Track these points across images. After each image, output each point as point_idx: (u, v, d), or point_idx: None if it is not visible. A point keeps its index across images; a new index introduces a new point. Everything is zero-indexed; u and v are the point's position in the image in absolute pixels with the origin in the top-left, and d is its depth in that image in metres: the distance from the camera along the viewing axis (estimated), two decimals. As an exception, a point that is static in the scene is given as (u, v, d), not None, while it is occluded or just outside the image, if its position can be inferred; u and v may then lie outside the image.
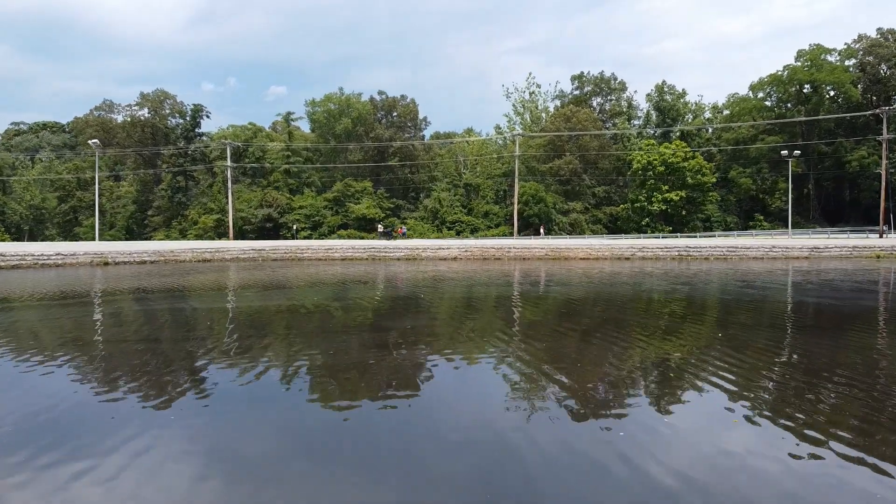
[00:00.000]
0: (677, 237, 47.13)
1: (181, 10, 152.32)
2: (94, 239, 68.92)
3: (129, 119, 73.37)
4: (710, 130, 69.92)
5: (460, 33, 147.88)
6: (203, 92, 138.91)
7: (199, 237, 62.81)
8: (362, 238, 57.70)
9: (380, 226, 44.95)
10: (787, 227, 56.72)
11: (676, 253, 29.65)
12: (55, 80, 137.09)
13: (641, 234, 54.49)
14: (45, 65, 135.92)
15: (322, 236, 58.95)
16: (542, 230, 55.71)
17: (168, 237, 65.14)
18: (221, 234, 61.76)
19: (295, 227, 57.71)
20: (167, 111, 74.17)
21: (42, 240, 75.12)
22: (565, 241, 37.50)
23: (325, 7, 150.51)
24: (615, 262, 28.01)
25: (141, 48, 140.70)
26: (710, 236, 48.25)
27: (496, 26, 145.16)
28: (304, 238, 59.01)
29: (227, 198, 58.00)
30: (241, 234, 61.26)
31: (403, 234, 43.77)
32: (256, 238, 59.68)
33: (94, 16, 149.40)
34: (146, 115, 73.71)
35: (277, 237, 59.59)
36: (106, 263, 25.18)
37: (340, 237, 58.00)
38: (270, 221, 59.21)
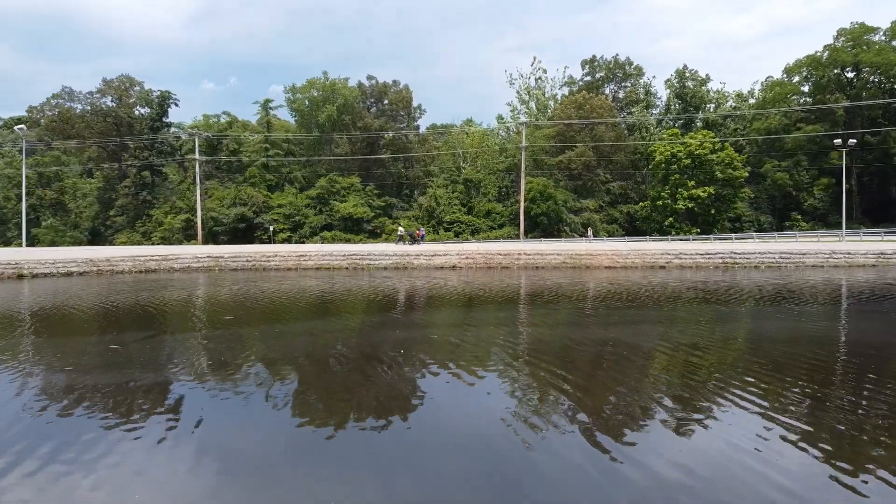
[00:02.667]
0: (710, 240, 43.68)
1: (181, 9, 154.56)
2: (50, 242, 65.23)
3: (88, 108, 69.61)
4: (739, 120, 66.53)
5: (461, 32, 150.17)
6: (203, 91, 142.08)
7: (164, 240, 59.17)
8: (348, 241, 54.14)
9: (400, 228, 41.09)
10: (826, 227, 53.39)
11: (720, 260, 26.14)
12: (55, 80, 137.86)
13: (665, 236, 51.02)
14: (45, 64, 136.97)
15: (303, 238, 55.36)
16: (589, 232, 52.38)
17: (130, 241, 61.45)
18: (191, 237, 58.17)
19: (272, 229, 54.08)
20: (133, 99, 70.54)
21: (2, 243, 71.33)
22: (584, 245, 33.99)
23: (325, 6, 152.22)
24: (647, 271, 24.51)
25: (141, 47, 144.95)
26: (745, 238, 44.80)
27: (496, 25, 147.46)
28: (283, 241, 55.41)
29: (196, 195, 54.39)
30: (211, 237, 57.65)
31: (422, 237, 40.08)
32: (229, 241, 56.05)
33: (95, 15, 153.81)
34: (109, 103, 70.10)
35: (252, 240, 55.98)
36: (20, 276, 21.56)
37: (324, 239, 54.41)
38: (244, 222, 55.59)
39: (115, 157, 70.48)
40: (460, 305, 14.42)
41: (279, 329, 10.65)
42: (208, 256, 25.84)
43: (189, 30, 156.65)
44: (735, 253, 26.49)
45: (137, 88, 70.57)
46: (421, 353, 8.12)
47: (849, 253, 27.23)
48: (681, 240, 46.23)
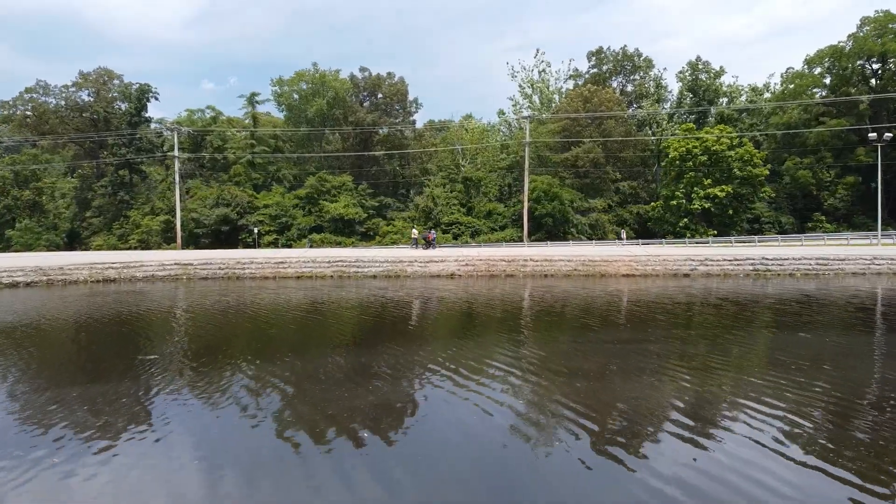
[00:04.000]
0: (731, 243, 41.60)
1: (182, 9, 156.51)
2: (26, 245, 63.03)
3: (62, 103, 67.46)
4: (755, 114, 64.56)
5: (460, 32, 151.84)
6: (204, 91, 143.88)
7: (142, 243, 57.00)
8: (339, 244, 52.05)
9: (413, 231, 38.80)
10: (851, 228, 51.44)
11: (751, 267, 24.10)
12: (55, 79, 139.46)
13: (679, 239, 48.96)
14: (45, 64, 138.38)
15: (290, 241, 53.23)
16: (623, 234, 50.07)
17: (107, 244, 59.28)
18: (171, 240, 55.95)
19: (256, 231, 51.91)
20: (113, 94, 68.40)
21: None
22: (596, 249, 31.94)
23: (325, 6, 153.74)
24: (670, 279, 22.47)
25: (142, 47, 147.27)
26: (768, 241, 42.72)
27: (495, 25, 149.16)
28: (269, 243, 53.29)
29: (175, 195, 52.22)
30: (192, 240, 55.50)
31: (433, 240, 37.96)
32: (211, 244, 53.90)
33: (95, 15, 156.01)
34: (86, 98, 67.99)
35: (236, 243, 53.84)
36: (-45, 287, 19.45)
37: (313, 242, 52.30)
38: (227, 223, 53.39)
39: (94, 154, 68.38)
40: (457, 335, 12.33)
41: (202, 383, 8.54)
42: (176, 264, 23.73)
43: (189, 30, 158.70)
44: (767, 259, 24.44)
45: (116, 82, 68.46)
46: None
47: (892, 259, 25.22)
48: (698, 243, 44.19)
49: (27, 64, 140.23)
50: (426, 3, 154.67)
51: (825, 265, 24.59)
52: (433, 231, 40.46)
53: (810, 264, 24.52)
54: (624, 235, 50.14)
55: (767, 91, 68.76)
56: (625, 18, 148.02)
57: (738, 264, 24.22)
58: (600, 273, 23.26)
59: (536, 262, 24.10)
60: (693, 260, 24.23)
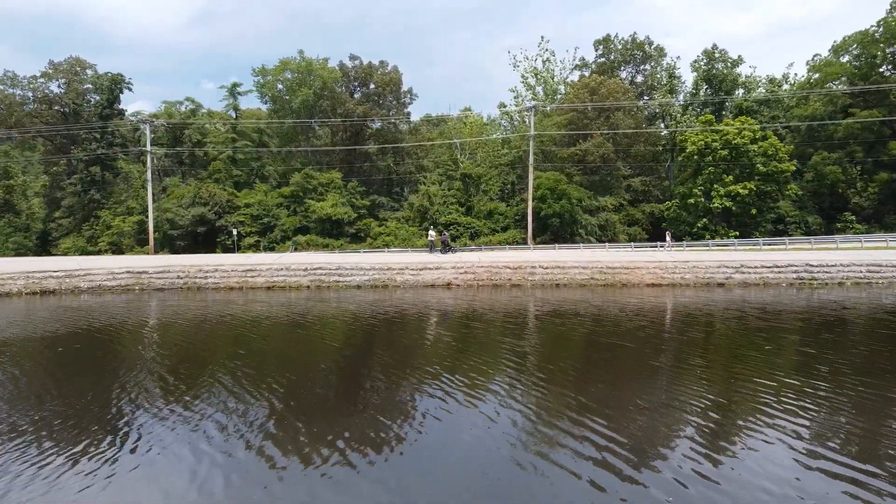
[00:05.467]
0: (761, 246, 39.02)
1: (182, 9, 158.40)
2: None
3: (30, 94, 64.94)
4: (775, 106, 62.29)
5: (460, 32, 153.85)
6: (204, 90, 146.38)
7: (113, 246, 54.50)
8: (326, 247, 49.58)
9: (431, 232, 33.89)
10: (883, 229, 49.19)
11: (794, 275, 21.69)
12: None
13: (699, 241, 46.51)
14: (45, 63, 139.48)
15: (273, 244, 50.73)
16: (668, 237, 43.86)
17: (75, 246, 56.71)
18: (145, 242, 53.44)
19: (236, 233, 49.37)
20: (86, 86, 65.91)
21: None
22: (618, 254, 29.56)
23: (326, 6, 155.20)
24: (702, 289, 20.07)
25: (142, 47, 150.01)
26: (798, 243, 40.23)
27: (495, 25, 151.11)
28: (250, 246, 50.80)
29: (148, 193, 49.72)
30: (167, 242, 53.00)
31: (447, 241, 32.73)
32: (187, 247, 51.42)
33: (95, 15, 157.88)
34: (56, 89, 65.53)
35: (214, 246, 51.34)
36: None
37: (297, 245, 49.82)
38: (204, 224, 50.84)
39: (66, 150, 65.91)
40: (449, 382, 9.89)
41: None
42: (127, 272, 21.23)
43: (190, 30, 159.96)
44: (811, 266, 22.04)
45: (90, 72, 66.01)
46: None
47: (954, 264, 22.84)
48: (720, 246, 41.72)
49: (28, 64, 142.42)
50: (426, 3, 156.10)
51: (876, 272, 22.22)
52: (445, 233, 36.18)
53: (860, 271, 22.14)
54: (669, 238, 43.83)
55: (786, 82, 66.55)
56: (624, 18, 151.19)
57: (779, 272, 21.83)
58: (621, 282, 20.83)
59: (546, 269, 21.67)
60: (727, 267, 21.83)
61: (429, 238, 33.25)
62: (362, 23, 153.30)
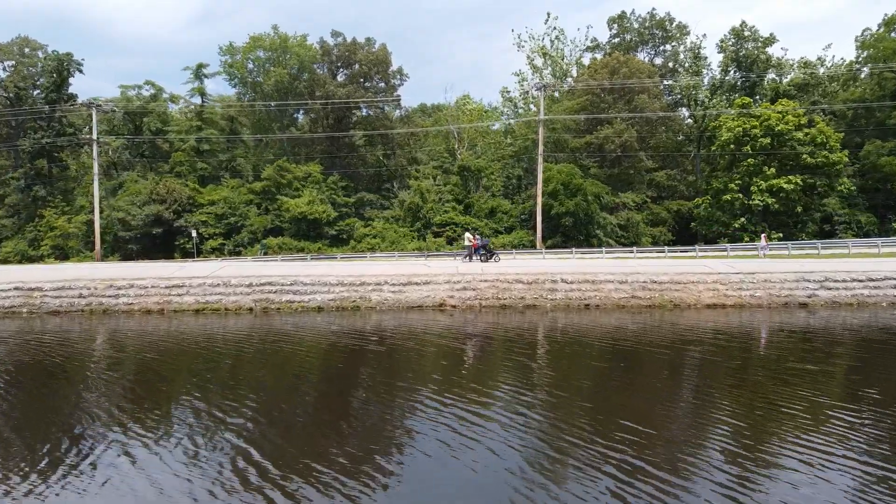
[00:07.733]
0: (819, 250, 34.53)
1: (182, 9, 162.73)
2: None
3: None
4: (814, 90, 58.29)
5: (460, 32, 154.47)
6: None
7: (57, 249, 50.12)
8: (301, 251, 45.31)
9: (467, 235, 28.08)
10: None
11: (894, 291, 17.52)
12: None
13: (736, 243, 42.22)
14: None
15: (239, 247, 46.48)
16: (763, 239, 37.99)
17: (16, 250, 52.36)
18: (94, 246, 49.16)
19: (195, 234, 45.07)
20: (37, 68, 61.64)
21: None
22: (654, 264, 25.39)
23: (325, 6, 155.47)
24: (779, 312, 15.90)
25: (142, 46, 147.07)
26: (868, 250, 35.86)
27: (494, 25, 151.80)
28: (213, 249, 46.55)
29: (94, 188, 45.43)
30: (118, 246, 48.71)
31: (478, 248, 26.66)
32: (140, 252, 47.14)
33: (96, 15, 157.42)
34: (1, 72, 61.34)
35: (172, 250, 47.06)
36: None
37: (268, 248, 45.55)
38: (161, 225, 46.53)
39: (12, 142, 61.60)
40: None
41: None
42: (15, 289, 16.97)
43: (190, 30, 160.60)
44: (918, 278, 17.86)
45: (40, 53, 61.79)
46: None
47: None
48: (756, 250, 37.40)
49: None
50: (426, 2, 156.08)
51: None
52: (485, 238, 29.88)
53: None
54: (764, 240, 37.81)
55: (822, 66, 62.52)
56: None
57: (875, 287, 17.65)
58: (672, 302, 16.60)
59: (571, 284, 17.44)
60: (809, 280, 17.65)
61: (464, 243, 27.88)
62: (361, 23, 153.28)
